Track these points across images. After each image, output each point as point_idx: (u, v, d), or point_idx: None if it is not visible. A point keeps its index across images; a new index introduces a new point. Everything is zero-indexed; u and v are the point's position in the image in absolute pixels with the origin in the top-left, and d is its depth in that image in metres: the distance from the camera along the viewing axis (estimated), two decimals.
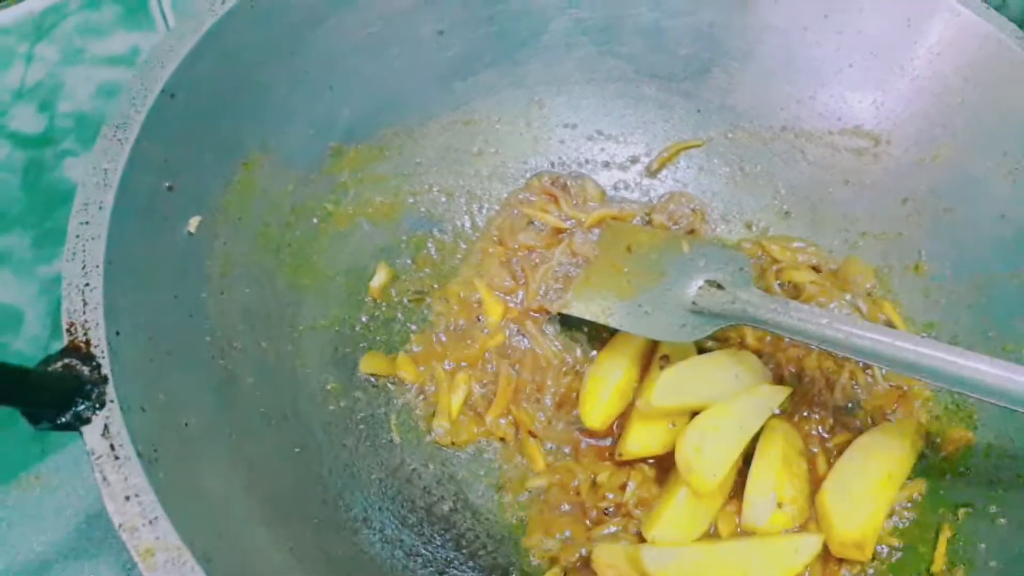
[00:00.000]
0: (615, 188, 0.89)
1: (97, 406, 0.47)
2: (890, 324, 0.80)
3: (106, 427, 0.46)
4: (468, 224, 0.84)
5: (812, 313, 0.67)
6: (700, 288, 0.75)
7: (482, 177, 0.85)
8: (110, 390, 0.47)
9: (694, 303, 0.74)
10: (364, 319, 0.76)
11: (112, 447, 0.45)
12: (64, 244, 0.52)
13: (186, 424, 0.53)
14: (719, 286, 0.74)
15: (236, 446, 0.57)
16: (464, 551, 0.65)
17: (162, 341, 0.55)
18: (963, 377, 0.59)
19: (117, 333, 0.49)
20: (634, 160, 0.89)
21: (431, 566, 0.63)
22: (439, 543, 0.65)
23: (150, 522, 0.43)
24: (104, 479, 0.45)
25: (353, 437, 0.69)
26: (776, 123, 0.87)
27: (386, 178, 0.80)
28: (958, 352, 0.60)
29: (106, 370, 0.48)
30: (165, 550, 0.43)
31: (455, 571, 0.64)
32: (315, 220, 0.74)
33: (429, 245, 0.82)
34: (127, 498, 0.44)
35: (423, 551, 0.64)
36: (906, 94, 0.81)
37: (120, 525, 0.44)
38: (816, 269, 0.84)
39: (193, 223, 0.62)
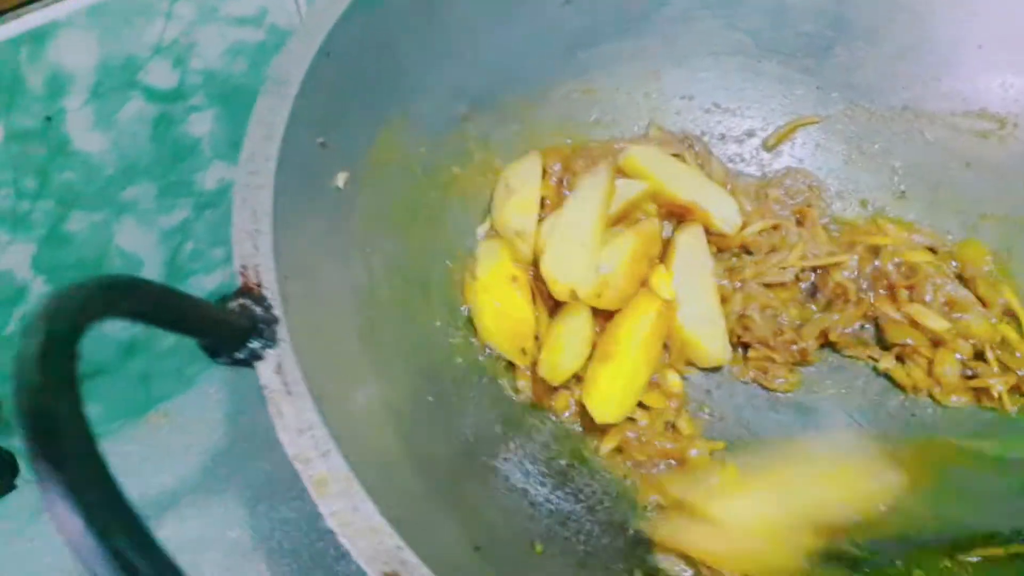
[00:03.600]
0: (730, 160, 0.89)
1: (271, 344, 0.49)
2: (1008, 308, 0.79)
3: (279, 365, 0.49)
4: None
5: None
6: None
7: None
8: (282, 330, 0.50)
9: None
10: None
11: (285, 383, 0.48)
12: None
13: (340, 368, 0.56)
14: None
15: (379, 391, 0.60)
16: (583, 504, 0.67)
17: (319, 289, 0.58)
18: None
19: (287, 277, 0.52)
20: (750, 134, 0.90)
21: (553, 516, 0.65)
22: (560, 496, 0.67)
23: (323, 454, 0.46)
24: (279, 413, 0.47)
25: (477, 391, 0.71)
26: (897, 103, 0.86)
27: (508, 144, 0.81)
28: None
29: (277, 311, 0.50)
30: (337, 481, 0.45)
31: (574, 523, 0.66)
32: (444, 183, 0.76)
33: None
34: (300, 431, 0.47)
35: (545, 502, 0.66)
36: None
37: (295, 456, 0.46)
38: (932, 250, 0.84)
39: (341, 178, 0.64)
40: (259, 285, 0.52)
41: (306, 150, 0.61)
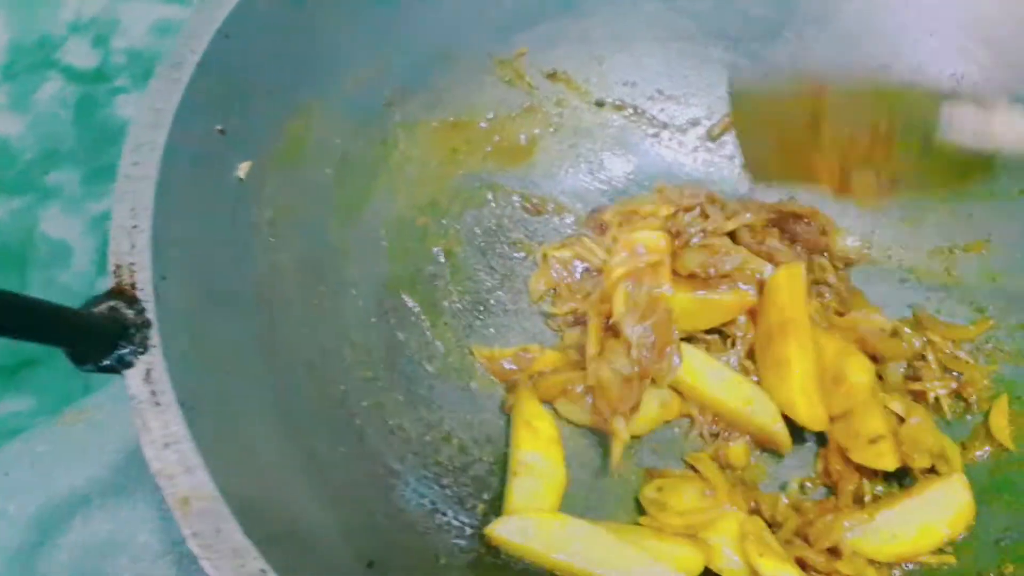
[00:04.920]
0: (673, 150, 0.86)
1: (140, 350, 0.46)
2: None
3: (148, 372, 0.45)
4: (521, 180, 0.82)
5: None
6: None
7: (534, 135, 0.83)
8: (154, 335, 0.46)
9: None
10: (409, 274, 0.74)
11: (154, 393, 0.45)
12: (113, 181, 0.51)
13: (228, 372, 0.53)
14: None
15: (276, 397, 0.57)
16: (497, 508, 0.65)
17: (208, 288, 0.55)
18: None
19: (163, 277, 0.49)
20: (695, 122, 0.86)
21: (467, 528, 0.63)
22: (471, 505, 0.65)
23: (187, 470, 0.43)
24: (144, 425, 0.44)
25: (393, 392, 0.68)
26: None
27: (438, 131, 0.78)
28: None
29: (150, 314, 0.47)
30: (201, 499, 0.42)
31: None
32: (366, 172, 0.72)
33: (488, 198, 0.80)
34: (166, 445, 0.44)
35: (454, 514, 0.64)
36: (989, 67, 0.77)
37: (158, 472, 0.43)
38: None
39: (243, 168, 0.60)
40: (133, 286, 0.48)
41: (201, 139, 0.57)
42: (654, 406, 0.71)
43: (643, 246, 0.72)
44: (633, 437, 0.71)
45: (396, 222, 0.74)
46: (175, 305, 0.50)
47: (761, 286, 0.73)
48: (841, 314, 0.76)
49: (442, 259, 0.76)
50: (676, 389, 0.72)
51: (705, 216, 0.78)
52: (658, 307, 0.70)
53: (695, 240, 0.77)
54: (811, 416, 0.68)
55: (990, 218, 0.78)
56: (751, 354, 0.74)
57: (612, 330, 0.70)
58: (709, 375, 0.71)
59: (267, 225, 0.62)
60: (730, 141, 0.86)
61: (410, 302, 0.73)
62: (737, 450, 0.71)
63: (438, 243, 0.77)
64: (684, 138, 0.87)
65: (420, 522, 0.61)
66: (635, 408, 0.68)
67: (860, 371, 0.70)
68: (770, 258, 0.76)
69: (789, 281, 0.72)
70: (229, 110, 0.59)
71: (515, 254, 0.80)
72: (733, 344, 0.75)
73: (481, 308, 0.77)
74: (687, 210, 0.78)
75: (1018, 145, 0.60)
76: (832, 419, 0.69)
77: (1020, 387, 0.72)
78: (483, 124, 0.81)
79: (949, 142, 0.62)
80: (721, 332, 0.76)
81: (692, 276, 0.74)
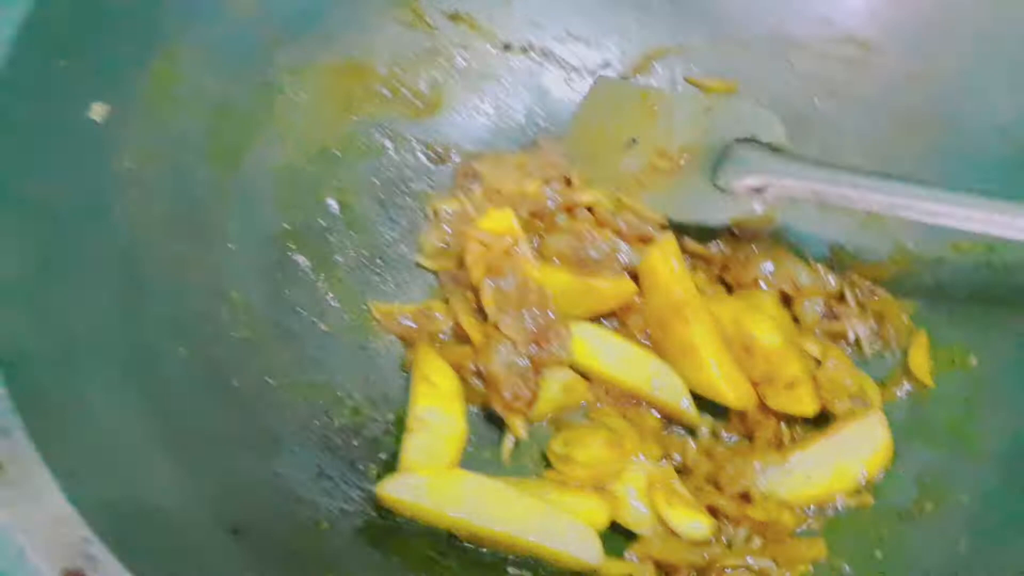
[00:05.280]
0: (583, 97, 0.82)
1: None
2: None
3: None
4: (423, 128, 0.78)
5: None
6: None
7: (435, 79, 0.79)
8: None
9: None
10: (298, 227, 0.70)
11: None
12: None
13: (74, 332, 0.48)
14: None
15: (137, 361, 0.52)
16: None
17: (56, 237, 0.50)
18: None
19: None
20: (606, 64, 0.82)
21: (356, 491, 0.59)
22: (362, 467, 0.61)
23: (2, 431, 0.38)
24: None
25: (278, 353, 0.63)
26: (762, 30, 0.79)
27: (330, 75, 0.73)
28: None
29: None
30: (16, 462, 0.38)
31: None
32: (247, 119, 0.67)
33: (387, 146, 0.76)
34: None
35: (341, 477, 0.60)
36: None
37: None
38: None
39: (98, 111, 0.56)
40: None
41: (41, 73, 0.52)
42: (555, 391, 0.66)
43: (490, 233, 0.68)
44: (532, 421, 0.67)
45: (283, 172, 0.69)
46: (11, 251, 0.46)
47: (635, 274, 0.70)
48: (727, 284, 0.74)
49: (336, 211, 0.72)
50: (577, 370, 0.68)
51: (569, 183, 0.75)
52: (530, 291, 0.66)
53: (560, 219, 0.73)
54: (740, 397, 0.65)
55: (910, 155, 0.75)
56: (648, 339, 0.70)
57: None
58: (607, 352, 0.67)
59: (127, 173, 0.57)
60: (642, 82, 0.83)
61: (299, 257, 0.68)
62: (649, 418, 0.68)
63: (331, 194, 0.72)
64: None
65: (301, 487, 0.57)
66: (532, 402, 0.64)
67: (767, 331, 0.66)
68: (640, 237, 0.72)
69: (664, 260, 0.67)
70: (77, 45, 0.54)
71: (418, 206, 0.76)
72: (628, 334, 0.70)
73: (380, 262, 0.72)
74: (548, 183, 0.74)
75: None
76: (756, 385, 0.66)
77: (939, 323, 0.70)
78: (381, 68, 0.76)
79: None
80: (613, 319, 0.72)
81: (563, 258, 0.70)
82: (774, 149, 0.70)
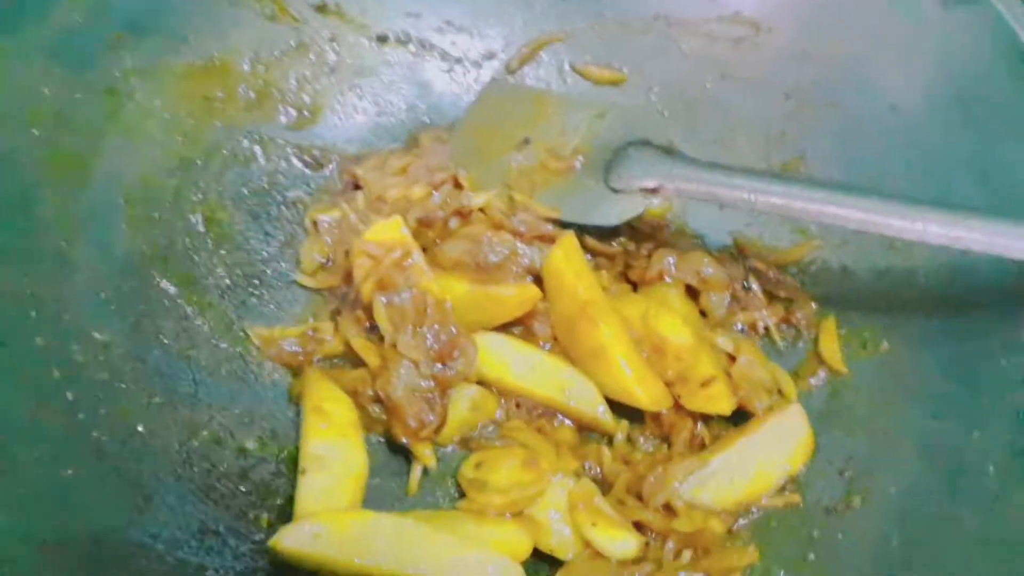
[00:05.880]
0: (468, 90, 0.77)
1: None
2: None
3: None
4: (295, 131, 0.71)
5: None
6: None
7: (306, 78, 0.72)
8: None
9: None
10: (159, 249, 0.62)
11: None
12: None
13: None
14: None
15: None
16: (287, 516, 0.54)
17: None
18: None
19: None
20: (490, 55, 0.78)
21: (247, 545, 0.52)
22: (252, 517, 0.54)
23: None
24: None
25: (143, 394, 0.56)
26: (648, 11, 0.76)
27: (185, 77, 0.65)
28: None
29: None
30: None
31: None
32: (90, 130, 0.59)
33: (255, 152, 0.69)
34: None
35: (227, 531, 0.53)
36: None
37: None
38: None
39: None
40: None
41: None
42: (462, 409, 0.62)
43: (378, 246, 0.62)
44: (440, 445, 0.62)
45: (137, 188, 0.61)
46: None
47: (538, 275, 0.66)
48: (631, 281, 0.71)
49: (201, 227, 0.64)
50: (485, 384, 0.63)
51: (459, 186, 0.70)
52: (427, 306, 0.61)
53: (452, 223, 0.68)
54: (654, 398, 0.62)
55: (802, 135, 0.74)
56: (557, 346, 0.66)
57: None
58: (515, 364, 0.63)
59: None
60: (530, 73, 0.78)
61: (163, 282, 0.61)
62: (564, 430, 0.64)
63: (195, 209, 0.64)
64: (480, 73, 0.78)
65: (179, 548, 0.49)
66: (440, 428, 0.59)
67: (676, 329, 0.64)
68: (539, 237, 0.68)
69: (567, 260, 0.64)
70: None
71: (295, 217, 0.69)
72: (536, 340, 0.66)
73: (257, 282, 0.66)
74: (436, 187, 0.69)
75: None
76: (670, 385, 0.63)
77: (848, 307, 0.68)
78: (244, 66, 0.69)
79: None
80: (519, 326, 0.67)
81: (460, 266, 0.65)
82: (667, 151, 0.70)
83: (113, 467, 0.50)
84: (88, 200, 0.58)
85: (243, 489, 0.56)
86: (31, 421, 0.47)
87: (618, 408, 0.64)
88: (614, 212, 0.69)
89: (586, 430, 0.65)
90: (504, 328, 0.65)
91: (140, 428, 0.53)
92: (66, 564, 0.41)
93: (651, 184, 0.67)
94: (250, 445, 0.59)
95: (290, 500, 0.55)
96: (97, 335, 0.55)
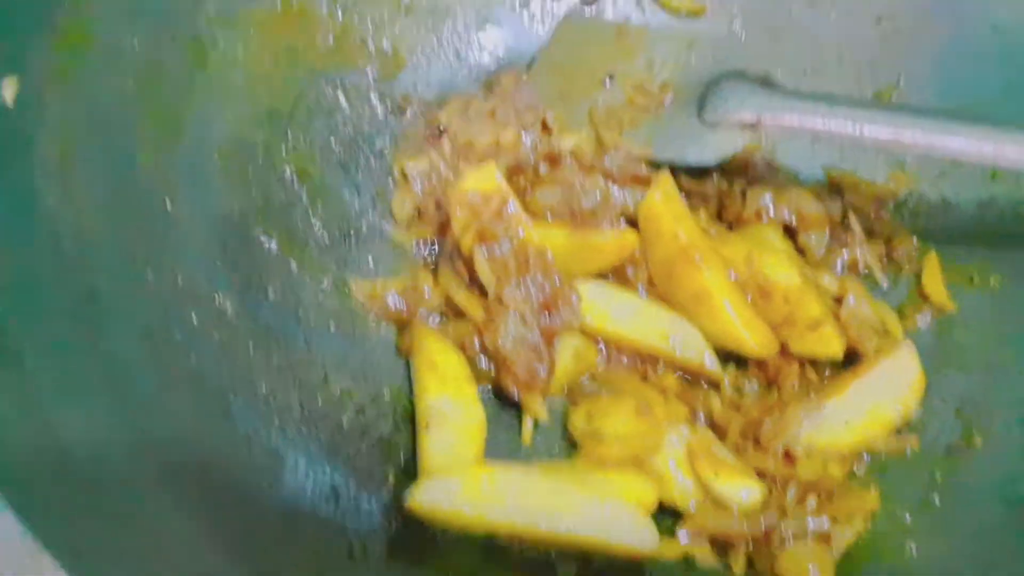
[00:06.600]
0: (545, 26, 0.74)
1: None
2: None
3: None
4: (377, 76, 0.68)
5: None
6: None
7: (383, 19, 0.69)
8: None
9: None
10: (251, 202, 0.60)
11: None
12: None
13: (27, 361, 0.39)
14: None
15: (106, 380, 0.43)
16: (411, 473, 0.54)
17: None
18: None
19: None
20: None
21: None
22: (379, 476, 0.54)
23: None
24: None
25: (259, 353, 0.55)
26: None
27: (266, 23, 0.63)
28: None
29: None
30: None
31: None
32: (178, 81, 0.57)
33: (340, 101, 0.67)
34: None
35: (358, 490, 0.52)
36: None
37: None
38: None
39: (8, 88, 0.45)
40: None
41: None
42: (567, 359, 0.60)
43: (478, 194, 0.60)
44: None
45: (229, 141, 0.59)
46: None
47: (633, 218, 0.64)
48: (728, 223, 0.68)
49: (295, 181, 0.62)
50: (587, 333, 0.62)
51: (546, 129, 0.68)
52: (529, 256, 0.59)
53: (542, 168, 0.66)
54: (762, 344, 0.60)
55: (895, 61, 0.71)
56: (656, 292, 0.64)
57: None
58: (616, 312, 0.61)
59: (57, 159, 0.47)
60: (608, 7, 0.75)
61: (263, 237, 0.59)
62: (668, 377, 0.63)
63: (287, 162, 0.62)
64: (556, 6, 0.75)
65: (317, 512, 0.49)
66: (549, 378, 0.58)
67: (783, 270, 0.62)
68: (632, 179, 0.66)
69: (666, 202, 0.62)
70: None
71: (383, 167, 0.67)
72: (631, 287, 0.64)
73: (353, 236, 0.64)
74: (526, 128, 0.67)
75: None
76: (776, 329, 0.61)
77: (951, 242, 0.66)
78: (322, 10, 0.66)
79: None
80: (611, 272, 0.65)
81: (554, 213, 0.63)
82: (764, 82, 0.67)
83: (242, 430, 0.50)
84: (185, 154, 0.56)
85: (364, 448, 0.56)
86: (161, 390, 0.46)
87: (719, 353, 0.63)
88: (711, 148, 0.67)
89: (690, 378, 0.64)
90: (600, 277, 0.64)
91: (261, 390, 0.53)
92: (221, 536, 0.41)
93: (750, 117, 0.64)
94: (366, 401, 0.58)
95: (412, 456, 0.54)
96: (211, 295, 0.54)
